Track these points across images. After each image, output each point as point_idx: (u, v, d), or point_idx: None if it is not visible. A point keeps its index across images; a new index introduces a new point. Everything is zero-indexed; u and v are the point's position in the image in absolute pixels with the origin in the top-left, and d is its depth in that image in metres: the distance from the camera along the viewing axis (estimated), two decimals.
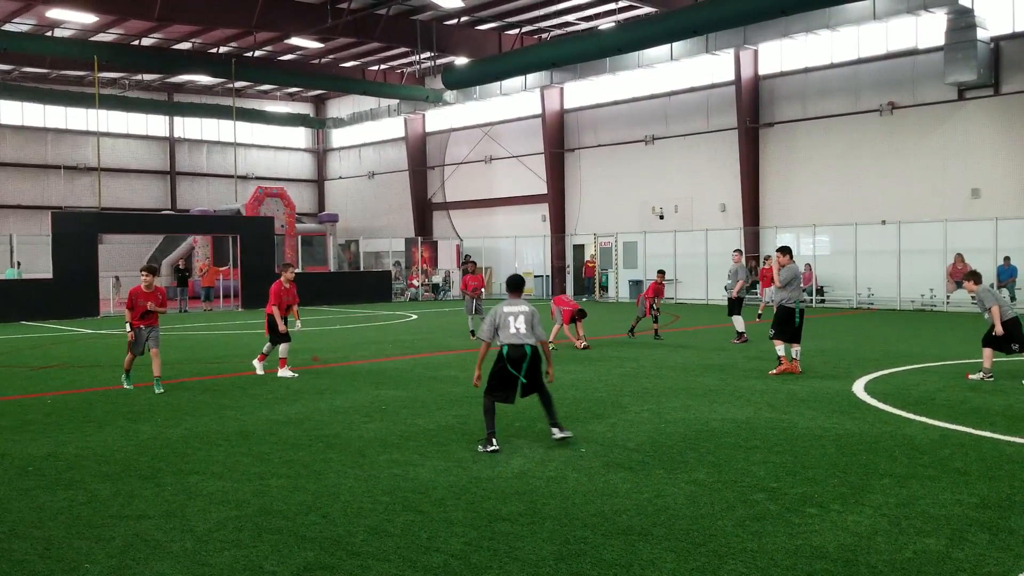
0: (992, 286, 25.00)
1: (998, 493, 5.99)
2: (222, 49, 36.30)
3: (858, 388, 10.70)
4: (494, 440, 7.49)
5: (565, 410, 9.45)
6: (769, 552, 4.89)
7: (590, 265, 35.66)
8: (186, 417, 9.29)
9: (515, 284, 8.07)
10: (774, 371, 12.15)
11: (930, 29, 26.48)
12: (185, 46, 35.86)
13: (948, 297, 25.59)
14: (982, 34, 24.87)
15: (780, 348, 12.22)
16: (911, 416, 8.77)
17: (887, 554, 4.83)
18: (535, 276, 37.55)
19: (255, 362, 12.84)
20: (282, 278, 12.78)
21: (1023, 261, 24.54)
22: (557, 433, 7.69)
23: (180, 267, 32.01)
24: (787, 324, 12.20)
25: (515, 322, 7.65)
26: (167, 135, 45.92)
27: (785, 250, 12.66)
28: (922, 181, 27.08)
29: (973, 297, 11.92)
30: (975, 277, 11.74)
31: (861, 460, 6.98)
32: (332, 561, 4.85)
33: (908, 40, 27.44)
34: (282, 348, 12.58)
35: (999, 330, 11.14)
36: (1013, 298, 24.68)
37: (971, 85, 25.71)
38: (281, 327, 12.55)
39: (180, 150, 46.42)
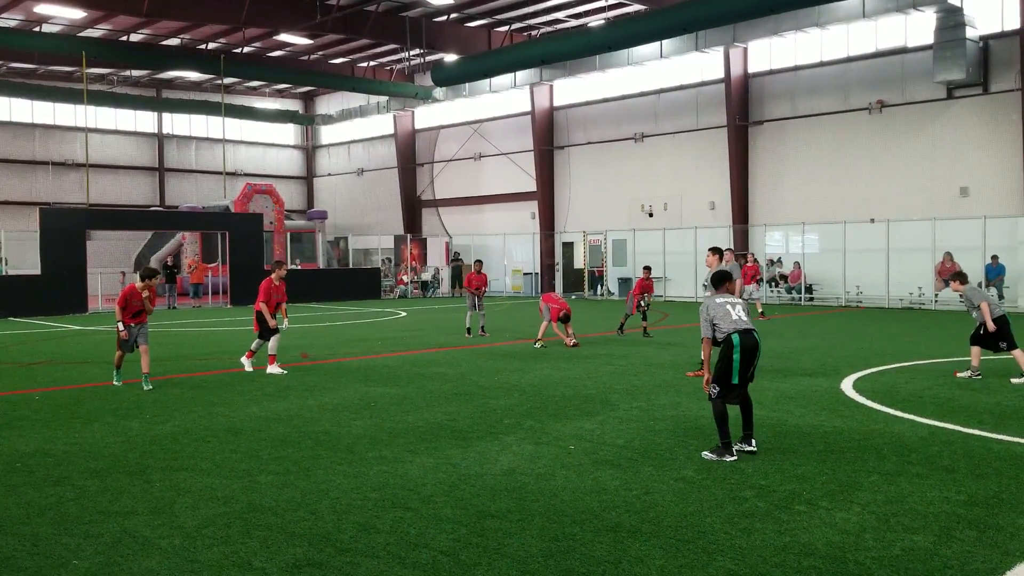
0: (980, 285, 25.22)
1: (986, 490, 6.02)
2: (211, 45, 36.13)
3: (847, 386, 10.74)
4: (733, 448, 6.94)
5: (554, 407, 9.47)
6: (758, 549, 4.90)
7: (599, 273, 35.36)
8: (175, 414, 9.26)
9: (720, 279, 7.60)
10: (693, 373, 11.65)
11: (919, 28, 26.59)
12: (174, 42, 35.69)
13: (936, 295, 25.72)
14: (971, 33, 24.99)
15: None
16: (899, 414, 8.81)
17: (875, 551, 4.85)
18: (524, 274, 37.55)
19: (243, 359, 12.80)
20: (273, 275, 12.74)
21: (1011, 259, 24.70)
22: (746, 447, 7.11)
23: (168, 264, 31.89)
24: None
25: (734, 310, 7.14)
26: (156, 131, 45.69)
27: (715, 250, 11.89)
28: (911, 179, 27.20)
29: (961, 297, 11.87)
30: (960, 277, 11.69)
31: (850, 457, 7.01)
32: (321, 557, 4.84)
33: (897, 39, 27.54)
34: (271, 344, 12.55)
35: (991, 327, 11.10)
36: (1001, 296, 24.85)
37: (960, 84, 25.83)
38: (271, 323, 12.51)
39: (169, 146, 46.20)
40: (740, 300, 7.36)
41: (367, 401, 9.97)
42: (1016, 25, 24.97)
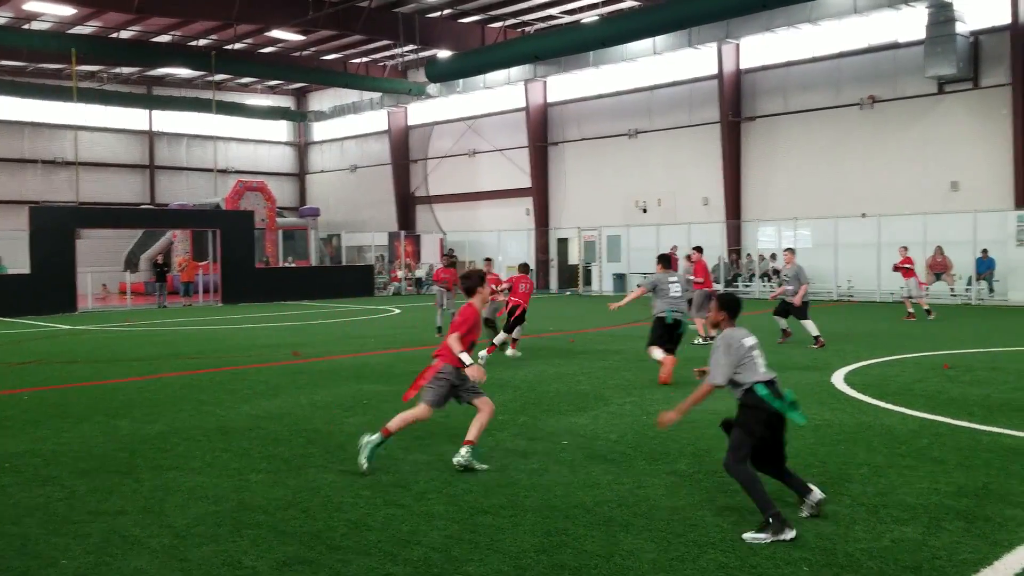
0: (971, 279, 25.31)
1: (974, 482, 6.05)
2: (202, 42, 36.02)
3: (837, 379, 10.77)
4: (784, 520, 4.94)
5: (548, 403, 9.47)
6: (748, 541, 4.91)
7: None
8: (164, 413, 9.23)
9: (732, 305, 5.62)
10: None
11: (910, 23, 26.63)
12: (165, 39, 35.55)
13: (927, 289, 25.77)
14: (961, 28, 25.05)
15: (656, 353, 11.12)
16: (889, 407, 8.83)
17: (865, 543, 4.87)
18: None
19: (504, 352, 13.66)
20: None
21: (1001, 253, 24.79)
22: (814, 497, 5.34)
23: (159, 262, 31.76)
24: (660, 332, 11.24)
25: (759, 358, 5.39)
26: (146, 129, 45.55)
27: (659, 259, 11.97)
28: (902, 174, 27.27)
29: (784, 274, 14.63)
30: (790, 251, 15.45)
31: (840, 450, 7.03)
32: (312, 555, 4.83)
33: (889, 34, 27.59)
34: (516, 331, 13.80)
35: (798, 302, 14.46)
36: (992, 290, 24.96)
37: (951, 79, 25.89)
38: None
39: (159, 144, 46.06)
40: (753, 340, 5.43)
41: (360, 399, 9.96)
42: (1006, 20, 25.02)
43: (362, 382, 11.24)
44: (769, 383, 5.26)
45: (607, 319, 18.79)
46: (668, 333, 11.26)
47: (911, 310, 19.79)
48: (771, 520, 4.89)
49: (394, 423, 6.66)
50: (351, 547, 4.96)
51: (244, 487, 6.25)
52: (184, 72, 41.57)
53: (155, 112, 44.85)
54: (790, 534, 4.87)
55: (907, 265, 19.85)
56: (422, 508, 5.66)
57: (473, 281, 6.94)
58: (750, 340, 5.37)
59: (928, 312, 19.78)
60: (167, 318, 23.86)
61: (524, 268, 14.93)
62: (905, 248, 20.43)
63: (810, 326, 14.68)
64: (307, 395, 10.25)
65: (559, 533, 5.12)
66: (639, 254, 31.91)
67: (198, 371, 12.69)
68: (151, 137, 45.66)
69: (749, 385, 5.24)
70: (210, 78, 38.00)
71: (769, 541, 4.85)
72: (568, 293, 34.60)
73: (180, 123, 46.27)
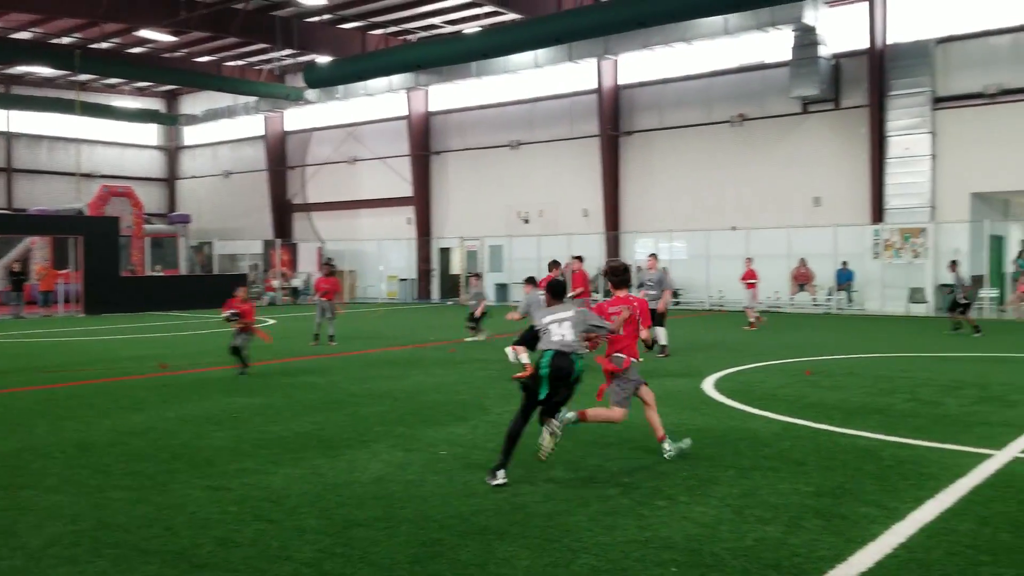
0: (831, 291, 26.75)
1: (832, 482, 6.36)
2: (66, 40, 34.21)
3: (707, 386, 11.14)
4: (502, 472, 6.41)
5: (427, 414, 9.41)
6: (620, 545, 5.01)
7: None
8: (18, 429, 8.66)
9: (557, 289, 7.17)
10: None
11: (777, 45, 27.95)
12: (24, 35, 33.56)
13: (792, 299, 27.10)
14: (824, 51, 26.48)
15: (522, 356, 11.83)
16: (755, 411, 9.20)
17: (730, 542, 5.04)
18: (400, 280, 37.26)
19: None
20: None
21: (860, 266, 26.32)
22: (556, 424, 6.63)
23: (15, 270, 29.87)
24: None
25: (560, 327, 6.67)
26: (3, 130, 42.86)
27: (529, 280, 13.37)
28: (769, 189, 28.56)
29: (649, 280, 14.75)
30: (654, 256, 15.88)
31: (709, 453, 7.27)
32: (174, 574, 4.63)
33: (757, 55, 28.89)
34: None
35: (661, 308, 14.31)
36: (851, 300, 26.44)
37: (814, 99, 27.33)
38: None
39: (17, 145, 43.44)
40: (571, 315, 6.76)
41: (230, 412, 9.62)
42: (865, 45, 26.63)
43: (232, 395, 10.88)
44: (556, 353, 6.50)
45: (490, 328, 18.83)
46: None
47: (752, 319, 20.60)
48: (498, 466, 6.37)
49: (591, 413, 6.95)
50: (217, 564, 4.77)
51: (104, 505, 5.94)
52: (46, 71, 39.28)
53: (13, 112, 42.17)
54: (498, 480, 6.27)
55: (750, 279, 20.77)
56: (293, 523, 5.51)
57: (627, 275, 7.38)
58: (551, 317, 6.73)
59: (752, 324, 20.39)
60: (24, 329, 22.47)
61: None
62: (750, 260, 21.38)
63: (662, 334, 14.57)
64: (174, 409, 9.83)
65: (434, 543, 5.08)
66: (521, 264, 32.23)
67: (56, 385, 11.98)
68: (8, 138, 43.00)
69: (540, 351, 6.62)
70: (74, 78, 36.13)
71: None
72: (450, 303, 34.57)
73: (41, 124, 43.67)
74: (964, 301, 18.46)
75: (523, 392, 6.65)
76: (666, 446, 7.09)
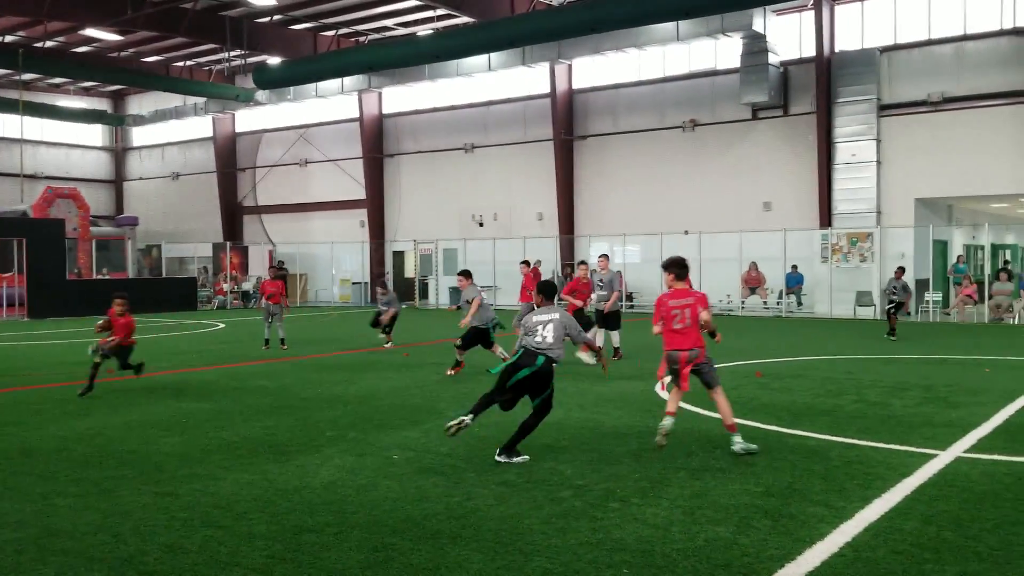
0: (781, 293, 27.17)
1: (780, 482, 6.46)
2: (8, 38, 33.32)
3: (660, 388, 11.23)
4: (468, 417, 7.11)
5: (380, 418, 9.35)
6: (573, 547, 5.03)
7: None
8: None
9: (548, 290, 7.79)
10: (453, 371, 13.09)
11: (727, 52, 28.37)
12: None
13: (743, 302, 27.49)
14: (773, 59, 26.95)
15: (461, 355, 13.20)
16: (707, 413, 9.30)
17: (681, 543, 5.09)
18: (353, 283, 36.97)
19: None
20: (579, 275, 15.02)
21: (808, 269, 26.80)
22: (499, 456, 7.15)
23: None
24: (480, 340, 13.35)
25: (543, 330, 7.29)
26: None
27: (465, 273, 13.93)
28: (720, 194, 28.93)
29: (601, 281, 14.87)
30: (605, 257, 15.78)
31: (661, 456, 7.33)
32: None
33: (708, 62, 29.28)
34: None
35: (607, 308, 14.56)
36: (800, 303, 26.90)
37: (763, 106, 27.78)
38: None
39: None
40: (556, 318, 7.38)
41: (179, 417, 9.46)
42: (812, 53, 27.14)
43: (182, 400, 10.70)
44: (526, 351, 7.20)
45: (443, 331, 18.83)
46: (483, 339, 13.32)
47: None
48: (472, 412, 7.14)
49: (728, 417, 7.40)
50: (165, 571, 4.69)
51: (49, 512, 5.80)
52: None
53: None
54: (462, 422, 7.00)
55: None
56: (243, 528, 5.43)
57: (687, 268, 7.87)
58: (537, 318, 7.34)
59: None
60: None
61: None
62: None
63: (615, 336, 14.80)
64: (121, 415, 9.64)
65: (386, 548, 5.04)
66: (476, 267, 31.96)
67: None
68: None
69: (520, 347, 7.32)
70: (17, 77, 35.23)
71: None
72: (404, 306, 34.36)
73: None
74: (894, 299, 18.82)
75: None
76: (737, 439, 7.39)
